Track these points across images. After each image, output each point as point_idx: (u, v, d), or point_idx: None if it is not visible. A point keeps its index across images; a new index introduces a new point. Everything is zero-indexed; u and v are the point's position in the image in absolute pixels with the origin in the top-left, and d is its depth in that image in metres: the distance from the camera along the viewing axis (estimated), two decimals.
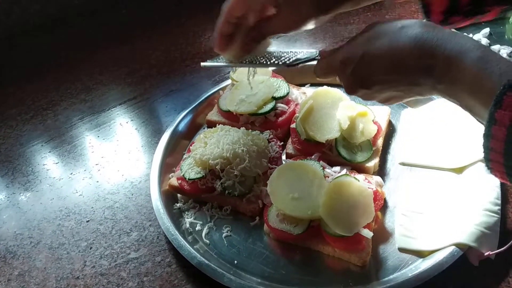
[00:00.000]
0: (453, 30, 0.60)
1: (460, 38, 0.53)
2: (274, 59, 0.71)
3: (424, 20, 0.66)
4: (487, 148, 0.49)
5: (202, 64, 0.78)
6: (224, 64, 0.76)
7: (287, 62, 0.69)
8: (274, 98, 0.93)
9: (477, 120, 0.54)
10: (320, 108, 0.86)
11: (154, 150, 0.92)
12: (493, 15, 0.68)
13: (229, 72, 1.06)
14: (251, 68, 0.82)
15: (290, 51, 0.74)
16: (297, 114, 0.89)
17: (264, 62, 0.72)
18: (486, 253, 0.65)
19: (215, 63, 0.77)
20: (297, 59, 0.70)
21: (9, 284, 0.75)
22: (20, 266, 0.78)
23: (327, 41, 1.25)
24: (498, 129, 0.46)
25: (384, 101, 0.65)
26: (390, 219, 0.77)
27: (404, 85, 0.59)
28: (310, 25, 0.68)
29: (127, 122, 1.07)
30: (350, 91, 0.65)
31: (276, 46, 0.80)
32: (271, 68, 1.02)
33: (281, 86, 0.95)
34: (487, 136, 0.48)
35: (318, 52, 0.70)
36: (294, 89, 1.00)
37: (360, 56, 0.60)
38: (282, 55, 0.73)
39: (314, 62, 0.69)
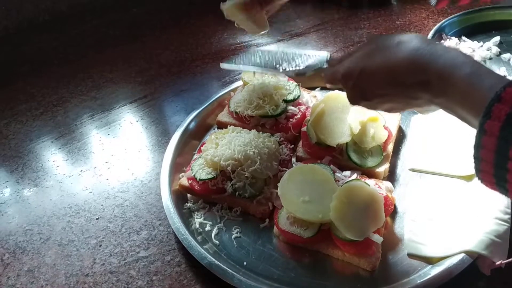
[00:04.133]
0: (448, 45, 0.61)
1: (453, 53, 0.55)
2: (285, 64, 0.79)
3: (421, 35, 0.68)
4: (478, 158, 0.50)
5: (222, 65, 0.87)
6: (241, 67, 0.86)
7: (297, 70, 0.78)
8: (285, 100, 0.93)
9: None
10: (331, 112, 0.86)
11: (164, 149, 0.92)
12: None
13: (239, 73, 1.07)
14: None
15: (303, 54, 0.79)
16: (308, 118, 0.90)
17: (277, 68, 0.80)
18: (498, 262, 0.65)
19: (234, 66, 0.86)
20: (307, 66, 0.77)
21: (19, 279, 0.75)
22: (30, 262, 0.78)
23: (337, 45, 1.26)
24: (488, 139, 0.48)
25: (387, 111, 0.68)
26: (400, 225, 0.77)
27: (402, 98, 0.62)
28: None
29: (137, 121, 1.07)
30: (353, 102, 0.68)
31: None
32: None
33: (292, 89, 0.95)
34: (477, 146, 0.49)
35: (328, 56, 0.75)
36: (305, 92, 1.00)
37: (359, 71, 0.63)
38: (295, 58, 0.80)
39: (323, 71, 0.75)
